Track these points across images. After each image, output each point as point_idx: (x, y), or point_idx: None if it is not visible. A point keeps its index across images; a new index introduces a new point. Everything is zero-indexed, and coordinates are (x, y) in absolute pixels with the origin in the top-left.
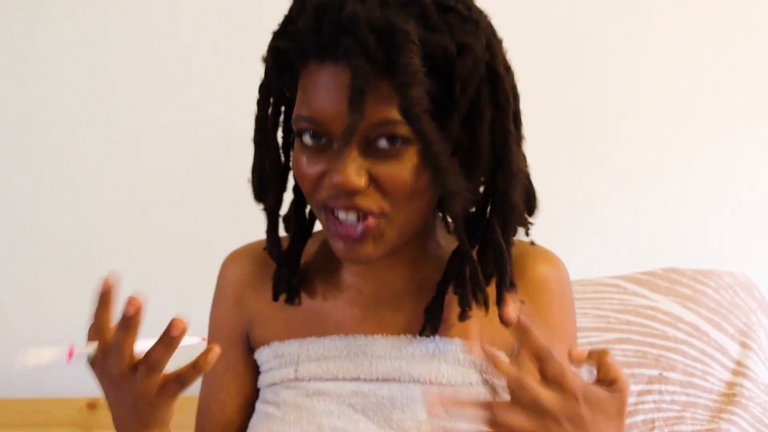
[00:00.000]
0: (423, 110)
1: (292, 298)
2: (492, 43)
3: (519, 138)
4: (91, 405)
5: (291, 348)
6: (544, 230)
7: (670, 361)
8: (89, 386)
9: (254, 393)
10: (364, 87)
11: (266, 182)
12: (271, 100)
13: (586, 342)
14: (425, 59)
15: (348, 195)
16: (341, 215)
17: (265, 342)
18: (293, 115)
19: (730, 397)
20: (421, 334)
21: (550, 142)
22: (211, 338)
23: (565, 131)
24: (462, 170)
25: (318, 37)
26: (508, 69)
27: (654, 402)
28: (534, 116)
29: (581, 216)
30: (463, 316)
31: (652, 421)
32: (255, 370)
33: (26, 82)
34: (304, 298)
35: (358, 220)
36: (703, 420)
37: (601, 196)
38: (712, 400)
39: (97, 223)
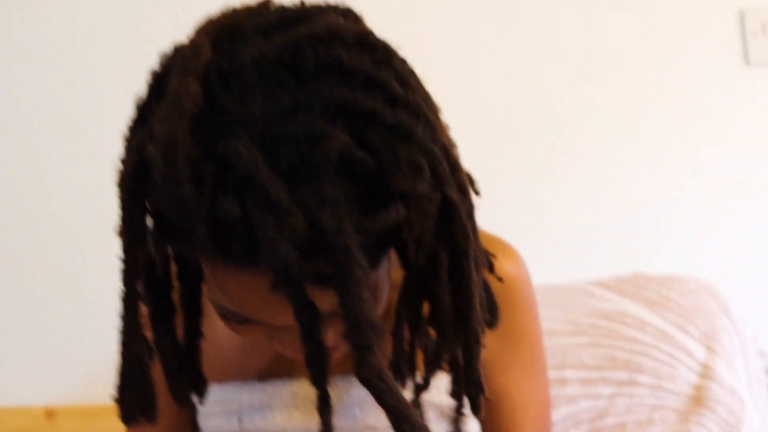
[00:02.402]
0: (383, 372)
1: (201, 397)
2: (434, 157)
3: (479, 280)
4: (49, 413)
5: (231, 394)
6: (510, 235)
7: (639, 364)
8: (46, 394)
9: (192, 426)
10: (317, 321)
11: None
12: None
13: (556, 345)
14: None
15: None
16: None
17: None
18: (211, 297)
19: (698, 399)
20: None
21: (516, 148)
22: None
23: (531, 135)
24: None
25: (226, 256)
26: (461, 184)
27: (624, 405)
28: (500, 120)
29: (548, 222)
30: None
31: (623, 424)
32: (191, 409)
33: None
34: (234, 334)
35: None
36: (672, 422)
37: (566, 202)
38: (680, 403)
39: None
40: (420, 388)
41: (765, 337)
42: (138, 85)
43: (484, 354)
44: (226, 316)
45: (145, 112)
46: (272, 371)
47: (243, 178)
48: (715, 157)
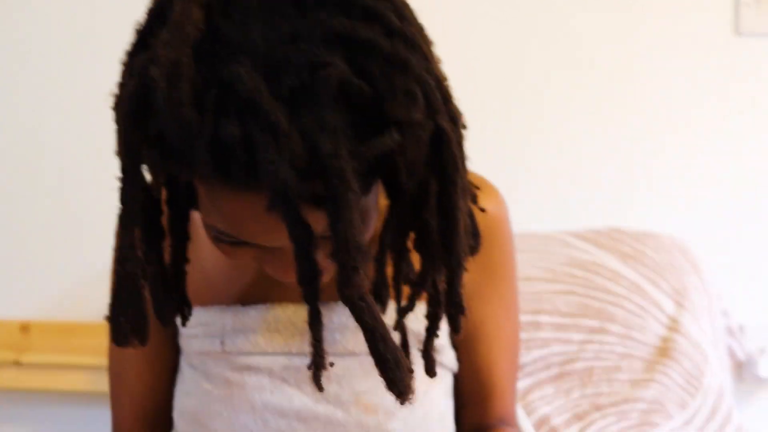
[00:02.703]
0: (365, 294)
1: (185, 320)
2: (428, 87)
3: (465, 208)
4: (24, 327)
5: (214, 317)
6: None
7: (611, 314)
8: (21, 308)
9: (173, 353)
10: (310, 242)
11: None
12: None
13: (532, 291)
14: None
15: None
16: None
17: None
18: (204, 219)
19: (664, 350)
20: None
21: (500, 101)
22: None
23: (517, 89)
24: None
25: (226, 176)
26: (453, 115)
27: (594, 351)
28: (487, 72)
29: (529, 172)
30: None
31: (591, 368)
32: (173, 332)
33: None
34: (222, 257)
35: None
36: (638, 370)
37: (548, 154)
38: (647, 353)
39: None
40: (404, 310)
41: (729, 297)
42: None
43: (465, 284)
44: (219, 238)
45: (145, 37)
46: (255, 296)
47: (245, 101)
48: (699, 122)
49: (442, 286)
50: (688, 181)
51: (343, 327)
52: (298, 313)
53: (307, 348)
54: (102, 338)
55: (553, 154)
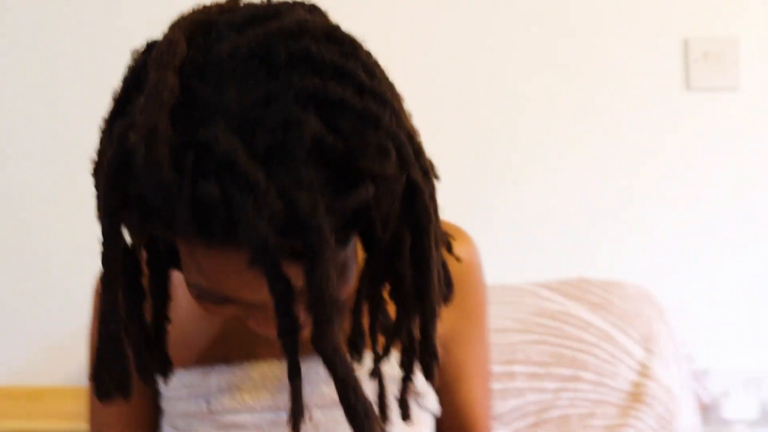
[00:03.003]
0: (339, 345)
1: (166, 379)
2: (400, 142)
3: (439, 259)
4: None
5: (198, 378)
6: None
7: (583, 362)
8: None
9: (154, 415)
10: (290, 298)
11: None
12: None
13: (505, 342)
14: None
15: None
16: None
17: None
18: (186, 277)
19: (636, 396)
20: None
21: (471, 155)
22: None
23: (487, 145)
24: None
25: (207, 236)
26: (424, 168)
27: (569, 399)
28: (458, 123)
29: (499, 226)
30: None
31: (567, 416)
32: (154, 395)
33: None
34: (202, 316)
35: None
36: (612, 416)
37: (516, 208)
38: (620, 399)
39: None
40: (379, 358)
41: (692, 342)
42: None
43: (445, 329)
44: (202, 296)
45: (122, 104)
46: (238, 354)
47: (222, 162)
48: (655, 173)
49: (416, 334)
50: (649, 230)
51: (328, 380)
52: (284, 368)
53: None
54: (69, 403)
55: (520, 207)
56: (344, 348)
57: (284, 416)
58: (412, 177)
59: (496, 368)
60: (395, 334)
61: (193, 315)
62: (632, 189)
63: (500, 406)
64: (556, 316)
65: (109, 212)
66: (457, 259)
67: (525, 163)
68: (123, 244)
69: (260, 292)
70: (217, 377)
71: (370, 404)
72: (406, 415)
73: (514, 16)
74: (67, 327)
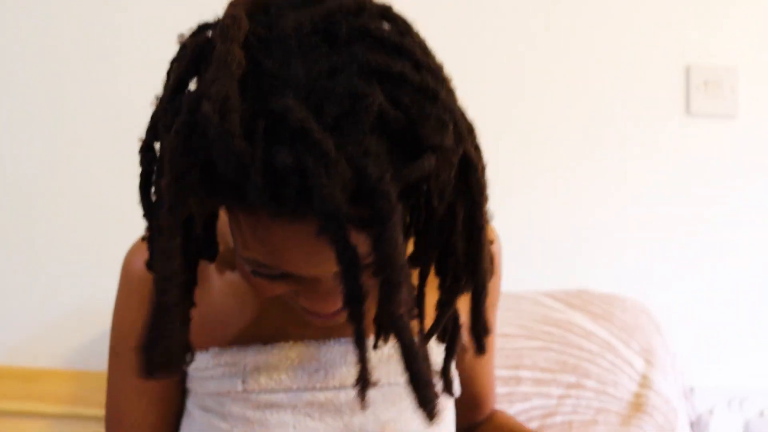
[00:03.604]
0: (406, 312)
1: (186, 365)
2: (456, 116)
3: (487, 230)
4: None
5: (234, 357)
6: None
7: (586, 370)
8: None
9: (179, 395)
10: (357, 267)
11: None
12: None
13: (511, 347)
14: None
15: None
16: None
17: (200, 347)
18: (242, 252)
19: (637, 405)
20: (374, 347)
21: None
22: (124, 343)
23: (492, 153)
24: (438, 289)
25: (277, 204)
26: (474, 140)
27: (572, 406)
28: None
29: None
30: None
31: (570, 422)
32: (181, 374)
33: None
34: (236, 296)
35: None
36: (614, 424)
37: (520, 221)
38: (621, 407)
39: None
40: (431, 330)
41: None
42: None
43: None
44: (257, 272)
45: (184, 80)
46: (273, 335)
47: (295, 130)
48: (654, 194)
49: (465, 307)
50: (644, 247)
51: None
52: (321, 349)
53: (330, 382)
54: (65, 386)
55: (522, 219)
56: (408, 315)
57: (320, 396)
58: (467, 151)
59: (503, 372)
60: (446, 305)
61: (226, 294)
62: (629, 207)
63: (507, 409)
64: (560, 324)
65: (177, 180)
66: (491, 242)
67: (530, 178)
68: (186, 214)
69: (320, 266)
70: (254, 356)
71: (432, 372)
72: (449, 389)
73: (517, 36)
74: (65, 310)
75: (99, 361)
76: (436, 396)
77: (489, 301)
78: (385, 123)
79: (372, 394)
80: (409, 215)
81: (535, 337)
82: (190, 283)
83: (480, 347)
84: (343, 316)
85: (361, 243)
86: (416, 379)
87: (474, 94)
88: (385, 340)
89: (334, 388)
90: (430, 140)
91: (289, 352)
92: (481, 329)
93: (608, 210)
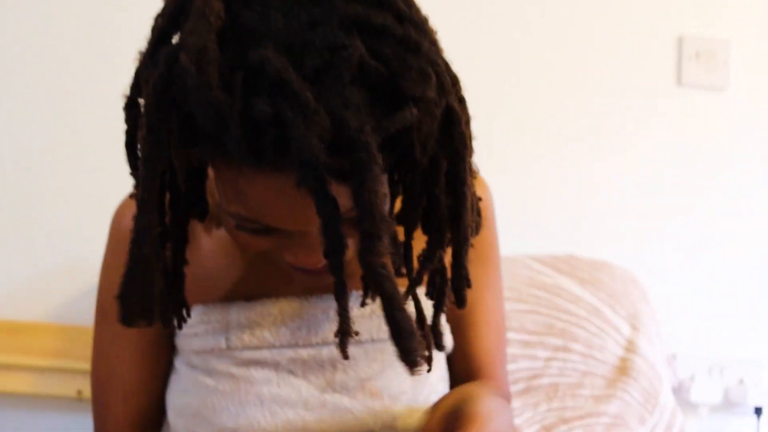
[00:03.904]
0: (386, 262)
1: (180, 323)
2: (439, 68)
3: (472, 183)
4: None
5: (217, 314)
6: None
7: (573, 334)
8: None
9: (168, 353)
10: (337, 218)
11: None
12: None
13: None
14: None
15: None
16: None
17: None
18: (226, 207)
19: (623, 369)
20: (362, 305)
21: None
22: (112, 304)
23: (483, 125)
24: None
25: (256, 155)
26: (459, 92)
27: (558, 368)
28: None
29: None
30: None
31: (556, 384)
32: (169, 332)
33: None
34: (222, 254)
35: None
36: (600, 387)
37: (511, 184)
38: (607, 371)
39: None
40: (414, 283)
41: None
42: None
43: None
44: (241, 227)
45: (164, 35)
46: (257, 292)
47: (274, 81)
48: (644, 163)
49: (447, 260)
50: (632, 215)
51: (356, 317)
52: (304, 305)
53: (313, 339)
54: (49, 339)
55: (514, 185)
56: (390, 265)
57: (303, 353)
58: (450, 103)
59: None
60: (429, 259)
61: (213, 252)
62: (620, 175)
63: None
64: (548, 288)
65: (155, 134)
66: (479, 198)
67: (523, 145)
68: (163, 167)
69: (303, 219)
70: (237, 313)
71: (413, 322)
72: (439, 344)
73: (508, 9)
74: (47, 262)
75: (85, 316)
76: (417, 347)
77: (476, 254)
78: (365, 75)
79: (354, 350)
80: (396, 172)
81: (522, 300)
82: (181, 240)
83: (460, 300)
84: (325, 276)
85: (343, 195)
86: (397, 329)
87: (469, 68)
88: (373, 298)
89: (317, 344)
90: (411, 92)
91: (272, 309)
92: (461, 282)
93: (599, 178)
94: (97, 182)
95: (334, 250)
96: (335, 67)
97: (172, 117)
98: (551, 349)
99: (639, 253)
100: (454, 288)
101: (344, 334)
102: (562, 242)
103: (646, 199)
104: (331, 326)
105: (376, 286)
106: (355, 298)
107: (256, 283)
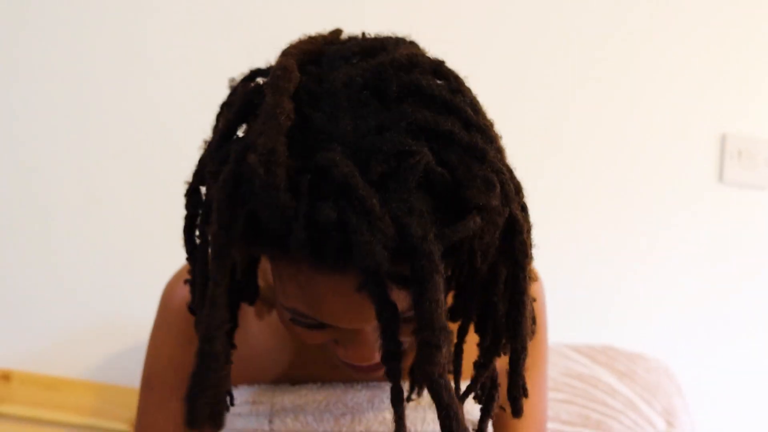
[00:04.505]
0: (444, 373)
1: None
2: (503, 176)
3: (530, 293)
4: (5, 376)
5: (262, 396)
6: None
7: (609, 427)
8: (3, 356)
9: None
10: (396, 325)
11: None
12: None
13: None
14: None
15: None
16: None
17: (232, 383)
18: (283, 302)
19: None
20: (408, 400)
21: None
22: (159, 376)
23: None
24: (478, 348)
25: (319, 258)
26: (521, 200)
27: None
28: None
29: None
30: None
31: None
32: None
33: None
34: (271, 336)
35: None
36: None
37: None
38: None
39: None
40: (469, 390)
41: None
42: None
43: (502, 360)
44: (297, 320)
45: (233, 127)
46: (303, 377)
47: (339, 185)
48: (684, 258)
49: (501, 367)
50: (669, 308)
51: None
52: (349, 392)
53: (357, 427)
54: (84, 396)
55: (556, 273)
56: (447, 376)
57: None
58: (513, 212)
59: None
60: (484, 366)
61: (262, 334)
62: (657, 268)
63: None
64: (585, 378)
65: (224, 229)
66: (534, 299)
67: (565, 235)
68: (232, 262)
69: (360, 319)
70: (282, 396)
71: (468, 430)
72: None
73: (555, 99)
74: (90, 321)
75: (121, 374)
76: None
77: (530, 361)
78: (431, 181)
79: None
80: (450, 271)
81: (558, 389)
82: (232, 327)
83: (516, 410)
84: (380, 371)
85: (402, 298)
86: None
87: (512, 147)
88: (419, 394)
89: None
90: (475, 200)
91: (317, 394)
92: (518, 391)
93: (638, 271)
94: (138, 243)
95: (392, 355)
96: (401, 173)
97: (240, 215)
98: None
99: (676, 348)
100: (511, 397)
101: None
102: (599, 333)
103: (684, 294)
104: (375, 415)
105: (433, 395)
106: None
107: (302, 368)
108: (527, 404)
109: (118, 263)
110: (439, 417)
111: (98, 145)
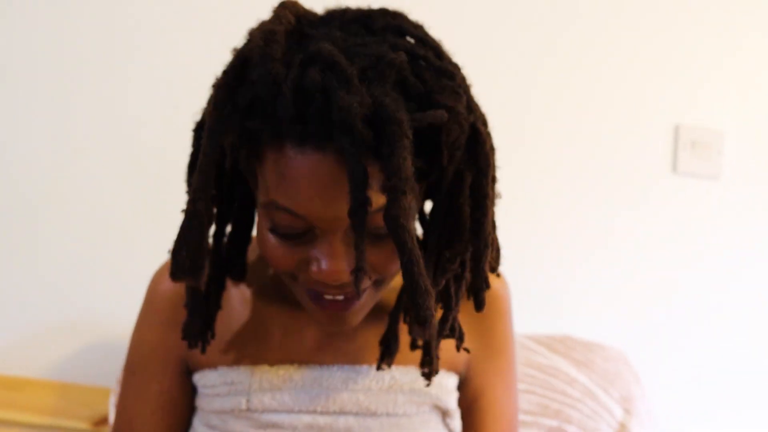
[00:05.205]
0: (408, 219)
1: (204, 347)
2: (470, 96)
3: (494, 200)
4: None
5: (241, 376)
6: None
7: (568, 415)
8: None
9: (188, 413)
10: (365, 178)
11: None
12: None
13: None
14: (413, 137)
15: (340, 284)
16: (328, 296)
17: (210, 365)
18: (264, 200)
19: None
20: (378, 368)
21: None
22: (141, 361)
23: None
24: (441, 242)
25: (302, 125)
26: (485, 123)
27: None
28: None
29: None
30: (413, 346)
31: None
32: (191, 392)
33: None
34: (252, 319)
35: (346, 297)
36: None
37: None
38: None
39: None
40: (436, 282)
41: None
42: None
43: (467, 357)
44: (275, 228)
45: (241, 65)
46: (281, 358)
47: (326, 60)
48: (638, 248)
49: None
50: (626, 297)
51: (366, 389)
52: (325, 375)
53: (331, 407)
54: (48, 397)
55: (513, 264)
56: (413, 225)
57: (320, 420)
58: (477, 125)
59: None
60: (449, 262)
61: (241, 316)
62: (613, 258)
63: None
64: (543, 368)
65: (218, 109)
66: (498, 274)
67: (521, 226)
68: (223, 140)
69: (335, 208)
70: (260, 376)
71: (429, 281)
72: (453, 331)
73: (511, 91)
74: (49, 319)
75: (83, 373)
76: (431, 306)
77: (490, 346)
78: (405, 86)
79: (370, 422)
80: (424, 180)
81: (519, 379)
82: (218, 287)
83: (479, 303)
84: (349, 310)
85: (372, 173)
86: (414, 285)
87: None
88: (389, 363)
89: (334, 413)
90: (443, 101)
91: (294, 375)
92: (481, 284)
93: (594, 260)
94: (104, 241)
95: (357, 208)
96: (380, 69)
97: (237, 93)
98: (546, 429)
99: (632, 336)
100: (474, 290)
101: (360, 270)
102: (557, 323)
103: (639, 282)
104: (350, 396)
105: (397, 239)
106: (371, 375)
107: (281, 351)
108: (493, 397)
109: (78, 263)
110: (402, 263)
111: (76, 143)
